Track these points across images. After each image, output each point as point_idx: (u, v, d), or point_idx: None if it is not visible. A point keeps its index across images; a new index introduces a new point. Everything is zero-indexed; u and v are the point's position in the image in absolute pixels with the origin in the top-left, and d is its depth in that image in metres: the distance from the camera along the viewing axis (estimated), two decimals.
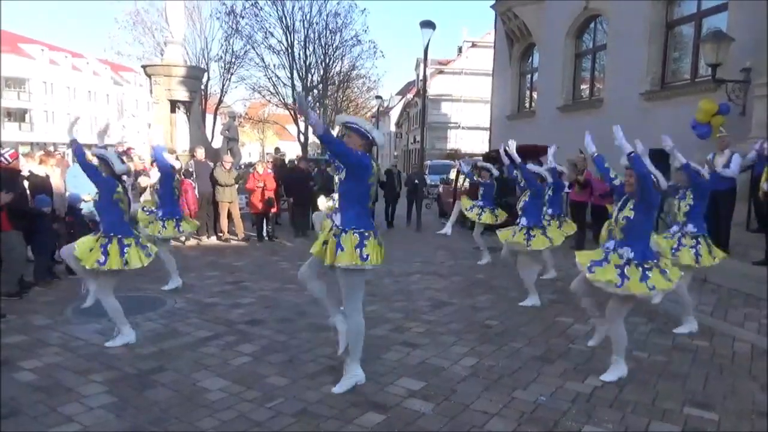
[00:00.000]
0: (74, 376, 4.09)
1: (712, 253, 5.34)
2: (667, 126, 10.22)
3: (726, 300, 6.51)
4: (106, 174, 4.79)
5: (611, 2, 12.40)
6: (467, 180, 13.35)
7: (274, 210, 11.25)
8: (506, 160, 6.77)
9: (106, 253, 4.59)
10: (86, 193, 7.86)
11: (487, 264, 8.96)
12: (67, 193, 7.68)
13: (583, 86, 14.48)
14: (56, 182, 7.42)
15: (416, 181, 14.27)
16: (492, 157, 12.49)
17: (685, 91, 10.37)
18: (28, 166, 7.39)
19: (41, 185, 7.09)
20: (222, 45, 28.11)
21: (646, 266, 3.99)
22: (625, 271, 3.99)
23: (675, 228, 5.47)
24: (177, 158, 11.30)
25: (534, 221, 6.43)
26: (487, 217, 8.84)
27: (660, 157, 8.65)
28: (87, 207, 7.94)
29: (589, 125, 12.85)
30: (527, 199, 6.48)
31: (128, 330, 4.81)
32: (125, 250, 4.67)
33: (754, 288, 6.60)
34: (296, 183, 11.74)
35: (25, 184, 6.90)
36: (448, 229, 9.35)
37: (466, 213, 9.32)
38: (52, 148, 18.20)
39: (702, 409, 3.74)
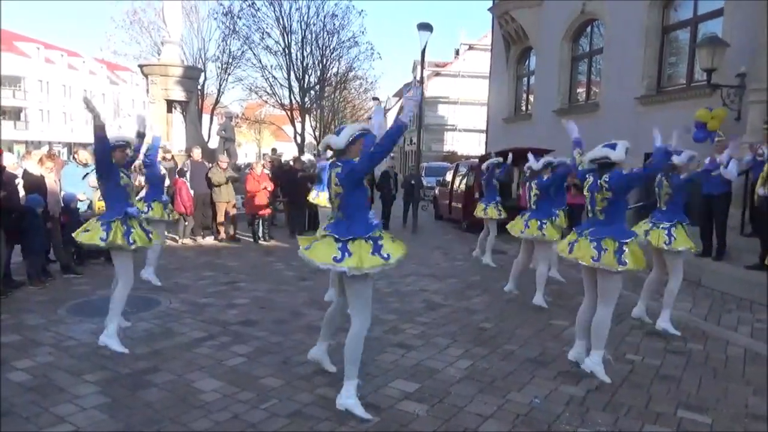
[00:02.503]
0: (67, 376, 4.07)
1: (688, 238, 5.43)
2: (663, 130, 10.30)
3: (719, 304, 6.54)
4: (117, 160, 4.81)
5: (608, 6, 12.45)
6: (465, 181, 13.41)
7: (268, 211, 11.23)
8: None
9: (108, 229, 4.59)
10: (81, 192, 7.86)
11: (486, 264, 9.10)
12: (62, 193, 7.65)
13: (579, 90, 14.51)
14: (50, 182, 7.39)
15: (412, 182, 14.26)
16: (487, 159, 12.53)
17: (681, 95, 10.42)
18: (23, 165, 7.36)
19: (36, 184, 7.06)
20: (219, 45, 28.12)
21: (623, 241, 4.11)
22: (602, 243, 4.10)
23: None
24: (173, 158, 11.33)
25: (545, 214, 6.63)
26: (491, 212, 9.02)
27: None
28: (83, 206, 7.93)
29: (585, 129, 12.95)
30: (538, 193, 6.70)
31: (113, 330, 4.70)
32: (131, 231, 4.68)
33: (748, 292, 6.64)
34: (292, 183, 11.74)
35: (20, 183, 6.87)
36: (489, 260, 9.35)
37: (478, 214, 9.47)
38: (47, 147, 18.18)
39: (695, 412, 3.76)
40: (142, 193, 7.30)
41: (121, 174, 4.80)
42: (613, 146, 4.19)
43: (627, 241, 4.12)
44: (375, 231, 3.62)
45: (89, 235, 4.62)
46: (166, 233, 7.98)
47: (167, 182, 8.06)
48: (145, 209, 6.77)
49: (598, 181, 4.21)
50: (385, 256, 3.57)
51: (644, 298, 5.77)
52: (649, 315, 5.76)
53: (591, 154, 4.29)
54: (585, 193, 4.38)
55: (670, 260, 5.39)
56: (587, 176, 4.40)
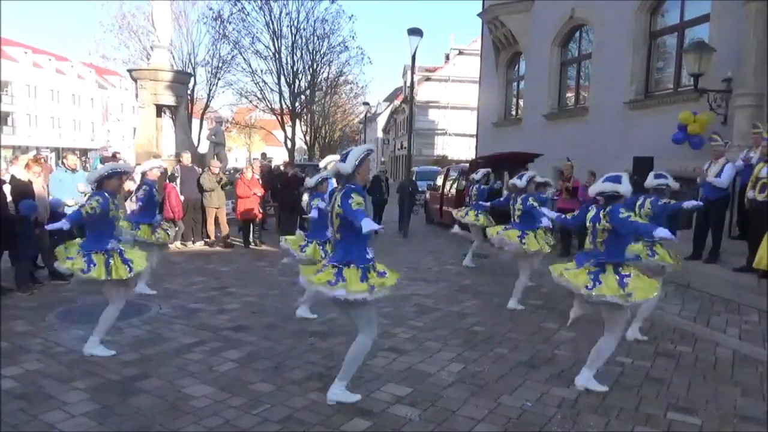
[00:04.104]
0: (56, 383, 4.03)
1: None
2: (651, 134, 10.41)
3: (708, 306, 6.60)
4: (112, 188, 4.77)
5: (596, 12, 12.56)
6: (456, 185, 13.45)
7: (259, 216, 11.20)
8: None
9: (90, 262, 4.51)
10: (70, 198, 7.78)
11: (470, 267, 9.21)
12: (50, 198, 7.57)
13: (568, 94, 14.61)
14: (38, 187, 7.32)
15: (411, 189, 14.13)
16: (478, 163, 12.58)
17: (669, 100, 10.52)
18: (11, 170, 7.29)
19: (24, 190, 6.99)
20: (209, 50, 28.08)
21: (623, 272, 4.02)
22: (599, 276, 4.02)
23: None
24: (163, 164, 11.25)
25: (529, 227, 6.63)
26: (482, 220, 9.13)
27: (643, 165, 8.80)
28: (71, 211, 7.85)
29: (574, 133, 13.10)
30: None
31: (96, 340, 4.66)
32: (110, 261, 4.58)
33: (736, 294, 6.71)
34: (283, 188, 11.72)
35: (7, 189, 6.80)
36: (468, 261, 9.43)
37: (459, 217, 9.58)
38: (34, 152, 17.99)
39: (685, 414, 3.79)
40: (133, 206, 7.03)
41: (112, 204, 4.68)
42: (617, 179, 4.15)
43: (627, 274, 4.03)
44: (368, 264, 3.73)
45: (70, 264, 4.53)
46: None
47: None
48: (132, 229, 6.61)
49: (600, 212, 4.16)
50: (372, 286, 3.67)
51: (639, 319, 5.67)
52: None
53: (598, 188, 4.22)
54: (587, 224, 4.30)
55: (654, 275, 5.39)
56: (590, 207, 4.38)
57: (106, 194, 4.67)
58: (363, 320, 3.80)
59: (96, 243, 4.62)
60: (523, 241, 6.47)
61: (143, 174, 6.92)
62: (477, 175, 9.70)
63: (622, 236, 4.11)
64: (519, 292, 6.57)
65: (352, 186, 3.75)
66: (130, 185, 8.89)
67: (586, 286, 4.00)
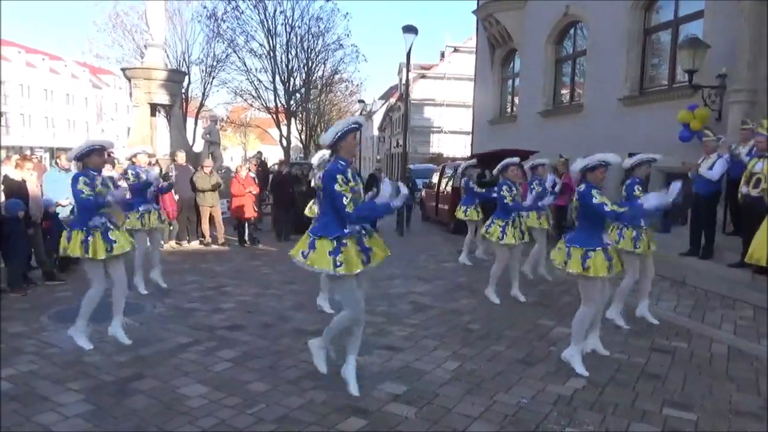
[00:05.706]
0: (50, 384, 4.01)
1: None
2: (645, 131, 10.42)
3: (703, 302, 6.61)
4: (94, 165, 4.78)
5: (590, 9, 12.57)
6: (451, 183, 13.44)
7: (255, 215, 11.17)
8: None
9: (69, 239, 4.60)
10: (63, 198, 7.75)
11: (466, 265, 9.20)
12: (43, 198, 7.54)
13: (563, 91, 14.62)
14: (32, 186, 7.28)
15: (409, 185, 14.09)
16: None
17: (663, 96, 10.53)
18: (3, 170, 7.25)
19: (17, 190, 6.95)
20: (203, 48, 28.01)
21: (588, 249, 4.28)
22: (570, 250, 4.34)
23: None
24: (157, 162, 11.22)
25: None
26: (472, 214, 9.17)
27: None
28: (64, 212, 7.82)
29: (569, 130, 13.11)
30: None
31: (81, 326, 4.74)
32: (88, 239, 4.59)
33: (731, 290, 6.73)
34: (279, 187, 11.69)
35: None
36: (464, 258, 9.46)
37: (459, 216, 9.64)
38: (28, 152, 17.94)
39: (681, 409, 3.79)
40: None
41: (97, 181, 4.67)
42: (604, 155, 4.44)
43: (592, 249, 4.28)
44: (343, 236, 3.69)
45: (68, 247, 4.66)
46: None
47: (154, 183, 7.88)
48: (139, 221, 6.62)
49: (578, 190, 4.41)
50: (338, 263, 3.65)
51: (619, 301, 5.73)
52: (629, 317, 5.78)
53: (583, 162, 4.42)
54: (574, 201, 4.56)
55: (625, 260, 5.43)
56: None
57: (91, 172, 4.69)
58: (343, 296, 3.86)
59: (80, 221, 4.65)
60: (488, 231, 6.61)
61: (130, 160, 6.96)
62: (461, 168, 9.81)
63: (591, 214, 4.35)
64: (494, 279, 6.70)
65: (338, 164, 3.70)
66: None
67: (564, 262, 4.36)
